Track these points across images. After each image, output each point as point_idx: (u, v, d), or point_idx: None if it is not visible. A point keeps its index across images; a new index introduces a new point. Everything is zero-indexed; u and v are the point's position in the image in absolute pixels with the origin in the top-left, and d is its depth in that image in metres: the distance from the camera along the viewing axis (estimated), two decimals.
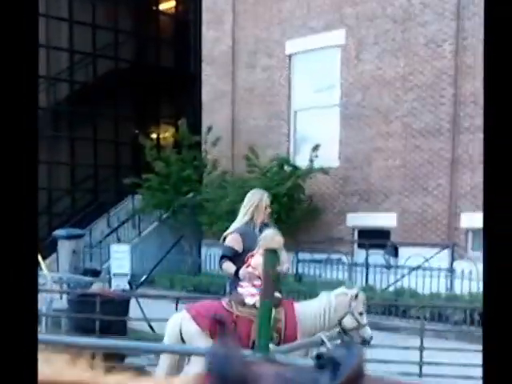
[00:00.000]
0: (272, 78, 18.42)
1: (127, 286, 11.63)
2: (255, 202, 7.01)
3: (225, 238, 6.96)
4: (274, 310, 5.57)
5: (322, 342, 5.70)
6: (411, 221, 15.48)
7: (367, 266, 14.52)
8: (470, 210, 14.57)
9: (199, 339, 5.88)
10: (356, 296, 6.25)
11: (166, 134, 27.68)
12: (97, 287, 11.49)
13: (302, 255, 15.73)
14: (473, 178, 14.63)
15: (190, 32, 27.13)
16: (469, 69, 14.88)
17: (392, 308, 12.76)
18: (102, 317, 9.12)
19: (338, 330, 6.29)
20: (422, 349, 8.25)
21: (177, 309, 10.45)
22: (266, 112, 18.48)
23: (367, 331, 6.39)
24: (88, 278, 12.73)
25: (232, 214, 9.05)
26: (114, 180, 24.65)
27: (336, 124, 17.06)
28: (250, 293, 6.20)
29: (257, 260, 6.15)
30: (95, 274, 13.74)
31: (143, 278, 13.81)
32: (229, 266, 6.66)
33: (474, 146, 14.66)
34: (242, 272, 6.39)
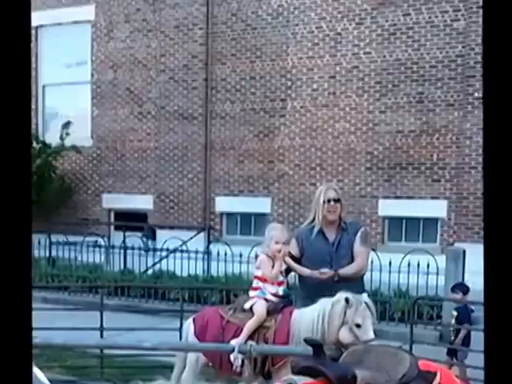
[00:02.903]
0: None
1: None
2: (316, 197, 6.15)
3: None
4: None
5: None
6: (168, 204, 15.85)
7: (125, 248, 14.53)
8: (223, 195, 15.31)
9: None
10: (348, 302, 5.20)
11: None
12: None
13: (55, 237, 15.27)
14: (225, 163, 15.33)
15: None
16: (219, 54, 15.45)
17: (151, 291, 12.89)
18: None
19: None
20: (181, 330, 8.60)
21: None
22: None
23: None
24: None
25: None
26: None
27: (88, 102, 16.82)
28: (250, 296, 5.78)
29: (260, 260, 5.83)
30: None
31: None
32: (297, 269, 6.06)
33: (225, 131, 15.34)
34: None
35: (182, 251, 13.85)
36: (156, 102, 16.02)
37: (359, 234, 6.03)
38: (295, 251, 6.02)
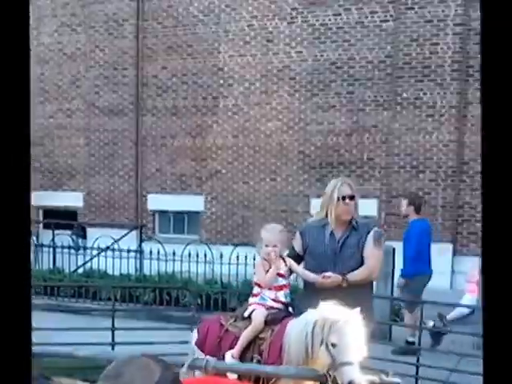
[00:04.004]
0: None
1: None
2: (327, 192, 5.41)
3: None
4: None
5: None
6: (98, 201, 15.68)
7: (54, 247, 14.31)
8: (155, 192, 15.25)
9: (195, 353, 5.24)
10: (325, 316, 4.42)
11: None
12: None
13: None
14: (157, 160, 15.27)
15: None
16: (149, 50, 15.36)
17: (82, 290, 12.71)
18: None
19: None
20: (114, 329, 8.49)
21: None
22: None
23: (348, 374, 4.17)
24: None
25: None
26: None
27: None
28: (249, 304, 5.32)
29: (255, 265, 5.43)
30: None
31: None
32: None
33: (157, 128, 15.27)
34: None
35: (113, 250, 13.72)
36: (85, 97, 15.81)
37: (371, 234, 5.36)
38: (298, 247, 5.49)
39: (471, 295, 10.69)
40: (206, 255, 12.55)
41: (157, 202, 15.25)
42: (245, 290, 11.87)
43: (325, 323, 4.38)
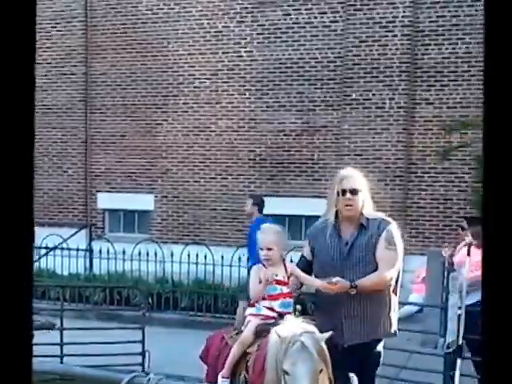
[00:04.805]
0: None
1: None
2: (331, 186, 4.93)
3: None
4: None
5: None
6: (47, 200, 15.45)
7: None
8: (105, 191, 15.14)
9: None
10: (280, 337, 4.01)
11: None
12: None
13: None
14: (107, 159, 15.16)
15: None
16: (98, 48, 15.24)
17: None
18: None
19: None
20: (62, 329, 8.54)
21: None
22: None
23: None
24: None
25: None
26: None
27: None
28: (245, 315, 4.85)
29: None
30: None
31: None
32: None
33: (106, 126, 15.17)
34: None
35: (62, 249, 13.63)
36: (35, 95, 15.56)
37: (384, 234, 4.70)
38: (307, 254, 4.94)
39: (418, 294, 10.93)
40: (156, 254, 12.55)
41: (107, 200, 15.13)
42: (196, 289, 11.98)
43: (282, 347, 3.95)
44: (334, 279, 4.49)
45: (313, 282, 4.78)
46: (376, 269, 4.66)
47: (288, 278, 4.68)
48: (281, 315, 4.57)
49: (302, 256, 4.99)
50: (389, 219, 4.81)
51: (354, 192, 4.68)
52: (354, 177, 4.78)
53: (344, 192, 4.67)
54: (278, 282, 4.62)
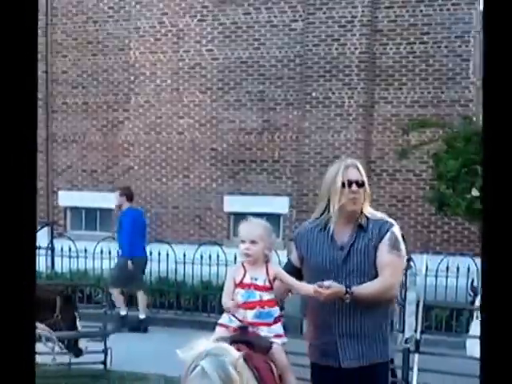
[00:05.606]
0: None
1: None
2: (328, 178, 4.07)
3: None
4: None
5: None
6: None
7: None
8: (66, 189, 15.09)
9: None
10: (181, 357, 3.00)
11: None
12: None
13: None
14: (68, 157, 15.12)
15: None
16: (59, 46, 15.17)
17: None
18: None
19: None
20: None
21: None
22: None
23: None
24: None
25: None
26: None
27: None
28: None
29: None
30: None
31: None
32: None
33: (67, 124, 15.12)
34: None
35: None
36: None
37: (387, 236, 4.01)
38: (294, 259, 4.24)
39: None
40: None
41: (68, 198, 15.09)
42: (158, 287, 12.02)
43: (184, 371, 3.05)
44: (326, 283, 3.81)
45: (301, 288, 4.00)
46: (376, 278, 3.99)
47: (270, 282, 3.92)
48: (253, 326, 3.84)
49: (289, 261, 4.29)
50: (392, 220, 4.16)
51: (360, 184, 4.00)
52: (358, 167, 4.08)
53: (350, 184, 3.96)
54: (257, 288, 3.89)
